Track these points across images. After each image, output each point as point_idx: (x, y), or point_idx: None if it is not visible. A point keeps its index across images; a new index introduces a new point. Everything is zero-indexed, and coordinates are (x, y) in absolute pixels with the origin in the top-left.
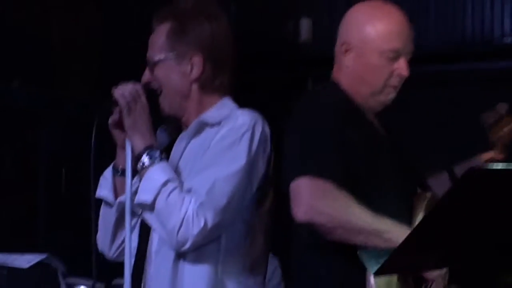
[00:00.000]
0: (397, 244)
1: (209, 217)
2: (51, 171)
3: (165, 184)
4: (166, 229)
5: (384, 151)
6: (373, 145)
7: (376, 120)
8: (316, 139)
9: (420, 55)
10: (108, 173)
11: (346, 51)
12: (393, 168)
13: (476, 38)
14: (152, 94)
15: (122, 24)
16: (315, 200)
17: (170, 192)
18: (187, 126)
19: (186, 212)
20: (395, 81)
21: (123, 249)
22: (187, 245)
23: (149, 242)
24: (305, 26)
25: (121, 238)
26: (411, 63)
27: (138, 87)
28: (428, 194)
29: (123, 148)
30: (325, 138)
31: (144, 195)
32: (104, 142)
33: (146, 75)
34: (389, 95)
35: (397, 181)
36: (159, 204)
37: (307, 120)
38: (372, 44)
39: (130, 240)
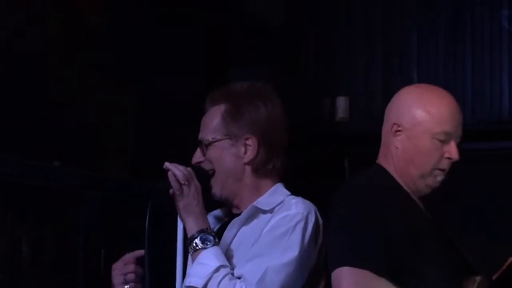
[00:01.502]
0: None
1: None
2: (90, 251)
3: (217, 270)
4: None
5: (430, 237)
6: (419, 231)
7: (421, 203)
8: (360, 228)
9: None
10: None
11: (397, 132)
12: (440, 253)
13: None
14: (204, 175)
15: (155, 106)
16: None
17: (222, 278)
18: (238, 209)
19: None
20: (444, 164)
21: None
22: None
23: None
24: (341, 104)
25: None
26: None
27: (190, 169)
28: (478, 278)
29: None
30: (369, 228)
31: (195, 279)
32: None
33: (197, 156)
34: (438, 178)
35: (444, 267)
36: None
37: (352, 207)
38: (424, 126)
39: None
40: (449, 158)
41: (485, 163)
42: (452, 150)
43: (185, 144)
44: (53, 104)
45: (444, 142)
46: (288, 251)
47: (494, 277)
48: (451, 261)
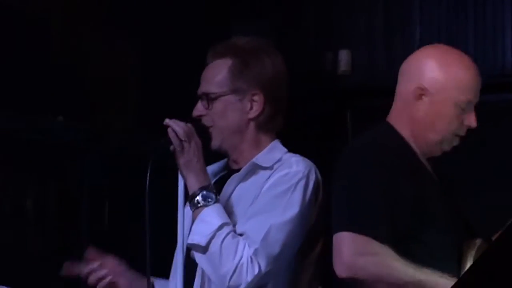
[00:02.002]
0: None
1: (263, 264)
2: (93, 205)
3: (220, 228)
4: (218, 273)
5: (436, 199)
6: (424, 194)
7: (429, 165)
8: (364, 193)
9: None
10: None
11: (420, 96)
12: (444, 215)
13: None
14: (203, 131)
15: (159, 60)
16: (356, 256)
17: (225, 236)
18: (237, 164)
19: (241, 258)
20: (462, 131)
21: None
22: None
23: (196, 278)
24: (343, 57)
25: None
26: None
27: (190, 125)
28: (478, 241)
29: None
30: (372, 194)
31: (198, 237)
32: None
33: (199, 109)
34: (453, 143)
35: (447, 229)
36: (213, 247)
37: (358, 170)
38: (449, 93)
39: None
40: (468, 125)
41: (489, 116)
42: (472, 119)
43: (188, 98)
44: (55, 61)
45: (465, 109)
46: (290, 209)
47: (494, 237)
48: (454, 225)
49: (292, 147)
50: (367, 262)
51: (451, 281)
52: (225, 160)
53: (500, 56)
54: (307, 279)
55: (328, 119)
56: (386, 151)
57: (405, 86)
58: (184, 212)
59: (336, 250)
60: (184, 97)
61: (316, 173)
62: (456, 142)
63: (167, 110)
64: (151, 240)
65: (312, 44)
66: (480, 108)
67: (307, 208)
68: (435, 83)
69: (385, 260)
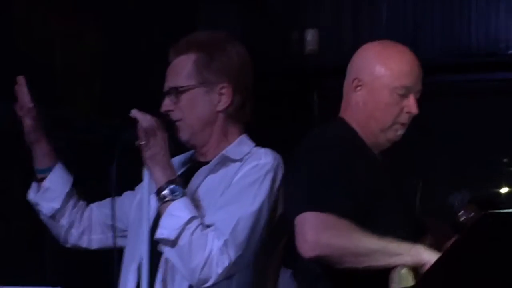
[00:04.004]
0: (406, 256)
1: (233, 255)
2: None
3: (189, 221)
4: (188, 267)
5: (388, 191)
6: (379, 183)
7: (381, 159)
8: (323, 174)
9: (425, 66)
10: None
11: (357, 87)
12: (396, 210)
13: (481, 49)
14: (171, 125)
15: (123, 50)
16: (319, 234)
17: (194, 230)
18: (204, 157)
19: (211, 251)
20: (404, 119)
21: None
22: (209, 283)
23: (160, 269)
24: (310, 37)
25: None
26: None
27: (157, 119)
28: (428, 238)
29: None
30: (332, 174)
31: (167, 232)
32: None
33: (167, 104)
34: (398, 132)
35: (399, 224)
36: (182, 241)
37: (315, 155)
38: (383, 81)
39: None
40: (408, 112)
41: (454, 95)
42: (411, 104)
43: (153, 84)
44: (19, 47)
45: (403, 96)
46: (258, 199)
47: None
48: (405, 220)
49: (258, 128)
50: (332, 237)
51: (413, 245)
52: (191, 152)
53: (466, 36)
54: (275, 266)
55: (295, 99)
56: (344, 140)
57: (346, 81)
58: (148, 206)
59: (299, 232)
60: (149, 85)
61: (283, 166)
62: (401, 131)
63: (131, 99)
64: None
65: (278, 23)
66: (448, 89)
67: (274, 198)
68: (370, 73)
69: (348, 232)
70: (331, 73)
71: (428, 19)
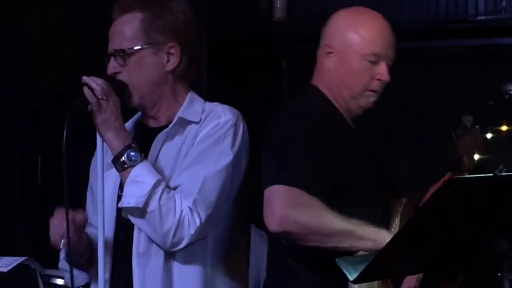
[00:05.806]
0: (370, 241)
1: (203, 214)
2: (27, 161)
3: (155, 186)
4: (160, 232)
5: (362, 158)
6: (352, 152)
7: (354, 125)
8: (293, 147)
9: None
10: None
11: (328, 53)
12: (370, 174)
13: (449, 16)
14: (120, 87)
15: (93, 14)
16: (287, 210)
17: (161, 194)
18: (155, 120)
19: (182, 212)
20: (375, 86)
21: None
22: (182, 245)
23: (134, 242)
24: (279, 3)
25: None
26: None
27: (107, 83)
28: (404, 200)
29: None
30: (302, 147)
31: (134, 200)
32: (77, 134)
33: (113, 66)
34: (369, 99)
35: (373, 187)
36: (151, 207)
37: (287, 128)
38: (354, 48)
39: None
40: (379, 79)
41: (423, 62)
42: (382, 71)
43: None
44: None
45: (374, 63)
46: (222, 157)
47: (421, 203)
48: (380, 184)
49: (226, 95)
50: (299, 213)
51: (378, 230)
52: (136, 117)
53: (434, 2)
54: (246, 226)
55: (263, 66)
56: (316, 111)
57: (319, 47)
58: (102, 173)
59: (267, 204)
60: None
61: (243, 121)
62: (372, 98)
63: (98, 66)
64: (69, 203)
65: None
66: (416, 55)
67: (238, 155)
68: (340, 40)
69: (317, 211)
70: (300, 40)
71: None
